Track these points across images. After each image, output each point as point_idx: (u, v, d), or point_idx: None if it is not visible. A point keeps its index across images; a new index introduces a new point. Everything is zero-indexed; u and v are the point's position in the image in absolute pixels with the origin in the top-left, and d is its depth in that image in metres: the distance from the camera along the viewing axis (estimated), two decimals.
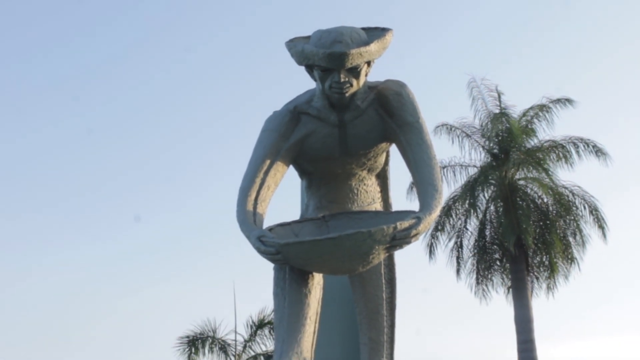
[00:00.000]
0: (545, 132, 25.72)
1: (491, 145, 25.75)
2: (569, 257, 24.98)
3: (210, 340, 25.80)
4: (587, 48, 47.23)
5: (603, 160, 25.08)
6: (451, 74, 46.18)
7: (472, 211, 25.33)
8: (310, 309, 5.49)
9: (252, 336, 25.82)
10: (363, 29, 5.74)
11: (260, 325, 25.76)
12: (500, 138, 25.64)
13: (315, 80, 5.72)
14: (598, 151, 25.11)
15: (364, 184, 6.17)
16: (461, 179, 25.78)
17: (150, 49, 50.75)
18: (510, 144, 25.43)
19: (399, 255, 6.22)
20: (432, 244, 25.39)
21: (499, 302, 28.01)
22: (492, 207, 25.57)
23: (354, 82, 5.58)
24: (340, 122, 5.77)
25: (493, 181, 25.43)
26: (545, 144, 25.62)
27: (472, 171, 25.80)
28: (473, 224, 25.67)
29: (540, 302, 26.51)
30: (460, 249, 25.62)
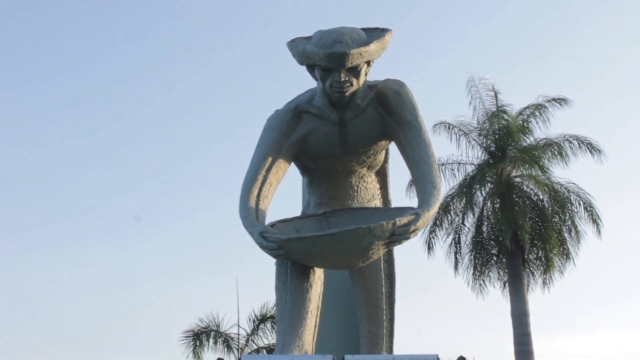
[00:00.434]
0: (541, 131, 25.84)
1: (488, 143, 25.84)
2: (564, 252, 25.11)
3: (214, 334, 25.88)
4: (584, 48, 47.30)
5: (597, 158, 25.23)
6: (450, 73, 46.17)
7: (469, 208, 25.42)
8: (312, 303, 5.61)
9: (255, 330, 25.85)
10: (363, 29, 5.84)
11: (262, 319, 25.79)
12: (497, 136, 25.76)
13: (316, 79, 5.82)
14: (593, 149, 25.25)
15: (364, 181, 6.27)
16: (459, 177, 25.91)
17: (150, 49, 50.66)
18: (507, 142, 25.56)
19: (398, 250, 6.33)
20: (430, 240, 25.49)
21: (496, 296, 28.07)
22: (489, 204, 25.68)
23: (354, 81, 5.69)
24: (340, 120, 5.87)
25: (490, 178, 25.56)
26: (541, 142, 25.68)
27: (470, 169, 25.90)
28: (470, 221, 25.78)
29: (536, 297, 26.57)
30: (458, 245, 25.71)
